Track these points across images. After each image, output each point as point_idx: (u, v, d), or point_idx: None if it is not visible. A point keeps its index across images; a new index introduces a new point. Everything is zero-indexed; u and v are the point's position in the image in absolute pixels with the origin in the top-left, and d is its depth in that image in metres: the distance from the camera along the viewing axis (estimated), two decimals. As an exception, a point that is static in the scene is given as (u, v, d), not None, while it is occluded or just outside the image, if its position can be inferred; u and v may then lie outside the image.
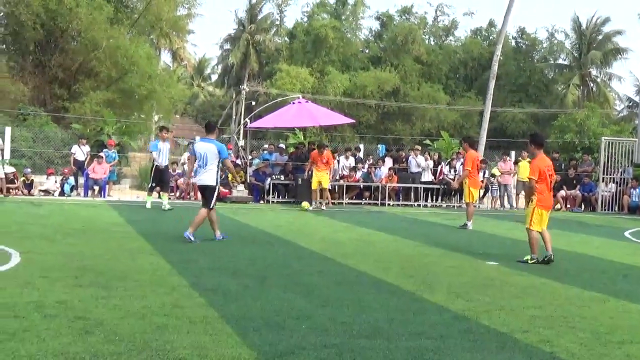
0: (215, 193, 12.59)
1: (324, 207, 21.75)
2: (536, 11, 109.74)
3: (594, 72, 55.89)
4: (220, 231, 12.67)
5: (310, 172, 22.68)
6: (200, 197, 13.05)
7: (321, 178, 21.72)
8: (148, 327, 6.08)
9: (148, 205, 19.41)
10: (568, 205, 26.87)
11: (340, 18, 53.32)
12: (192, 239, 12.08)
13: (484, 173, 26.71)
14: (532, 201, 11.12)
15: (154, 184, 19.80)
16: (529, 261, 10.93)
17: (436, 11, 59.47)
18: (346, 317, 6.84)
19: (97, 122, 31.15)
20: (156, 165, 19.52)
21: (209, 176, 12.39)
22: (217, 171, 12.45)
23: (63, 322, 6.15)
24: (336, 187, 25.51)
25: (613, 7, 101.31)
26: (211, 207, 12.47)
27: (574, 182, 27.12)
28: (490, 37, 61.73)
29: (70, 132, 29.85)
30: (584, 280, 9.71)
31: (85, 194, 23.84)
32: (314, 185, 21.91)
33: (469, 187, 17.14)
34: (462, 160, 26.60)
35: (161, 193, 20.70)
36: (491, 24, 62.23)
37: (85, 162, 24.66)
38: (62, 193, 23.89)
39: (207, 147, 12.38)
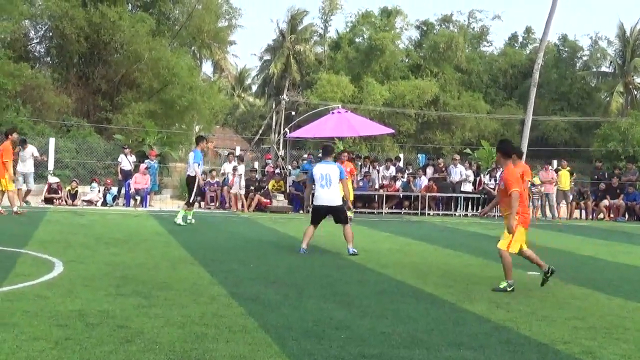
0: (345, 210, 13.11)
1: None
2: (578, 18, 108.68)
3: (637, 79, 55.08)
4: (352, 244, 12.77)
5: None
6: (321, 217, 13.19)
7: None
8: (188, 337, 6.13)
9: (193, 220, 18.05)
10: (612, 215, 26.50)
11: (384, 28, 53.23)
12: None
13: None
14: (515, 219, 9.25)
15: (198, 198, 18.91)
16: (508, 288, 9.19)
17: (469, 18, 59.15)
18: (385, 327, 6.82)
19: (139, 133, 31.51)
20: (197, 178, 17.86)
21: (336, 197, 12.75)
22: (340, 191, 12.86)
23: (105, 330, 6.22)
24: (376, 196, 25.49)
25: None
26: (348, 222, 12.90)
27: (618, 191, 26.73)
28: (528, 44, 61.24)
29: (112, 142, 30.23)
30: (627, 291, 9.56)
31: (127, 204, 24.12)
32: None
33: None
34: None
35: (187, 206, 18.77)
36: (528, 30, 61.78)
37: (131, 172, 24.89)
38: (104, 203, 24.20)
39: (329, 169, 12.76)
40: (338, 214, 12.95)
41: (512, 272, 9.28)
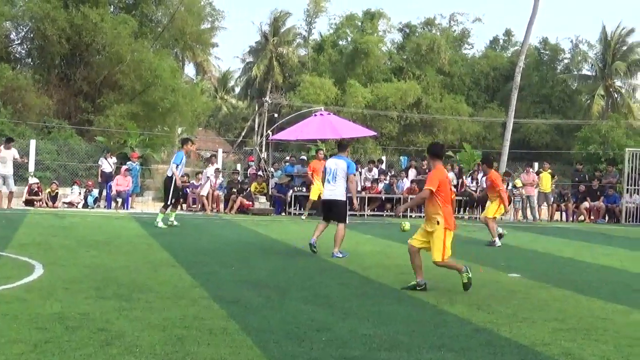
0: (347, 208, 12.94)
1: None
2: (558, 21, 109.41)
3: (618, 82, 55.50)
4: (338, 249, 12.69)
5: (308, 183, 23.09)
6: (326, 212, 13.15)
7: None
8: (169, 339, 6.11)
9: (176, 222, 17.83)
10: (592, 217, 26.68)
11: (367, 31, 53.33)
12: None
13: (507, 185, 26.59)
14: (438, 223, 9.12)
15: (173, 200, 18.09)
16: (417, 288, 9.19)
17: (450, 21, 59.38)
18: (367, 329, 6.83)
19: (120, 135, 31.38)
20: (175, 179, 17.67)
21: (338, 192, 12.68)
22: (345, 187, 12.73)
23: (85, 333, 6.19)
24: (358, 198, 25.49)
25: (638, 18, 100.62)
26: (346, 221, 12.84)
27: (598, 193, 26.93)
28: (509, 47, 61.54)
29: (94, 144, 30.09)
30: (607, 293, 9.63)
31: (109, 206, 24.01)
32: (315, 196, 21.87)
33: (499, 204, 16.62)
34: (482, 172, 26.57)
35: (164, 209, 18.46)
36: (508, 33, 62.07)
37: (112, 174, 24.79)
38: (85, 205, 24.09)
39: (337, 164, 12.74)
40: (333, 208, 12.86)
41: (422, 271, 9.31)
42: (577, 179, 28.19)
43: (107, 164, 24.95)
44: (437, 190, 9.14)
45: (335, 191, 12.68)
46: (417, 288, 9.16)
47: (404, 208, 10.68)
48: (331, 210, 12.95)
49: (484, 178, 26.28)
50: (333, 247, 12.60)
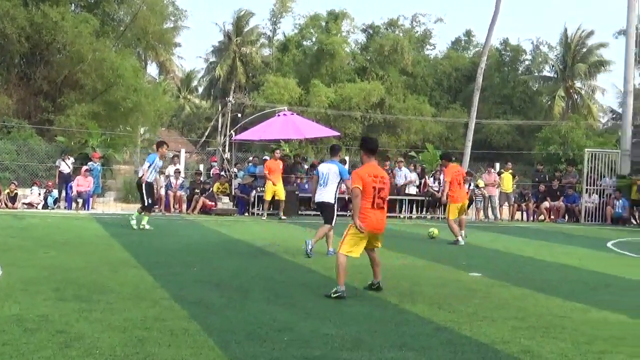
0: (335, 211, 13.13)
1: (283, 217, 22.28)
2: (520, 23, 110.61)
3: (578, 84, 56.25)
4: (332, 247, 12.84)
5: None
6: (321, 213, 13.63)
7: (277, 189, 22.35)
8: (129, 341, 6.07)
9: (148, 226, 17.20)
10: (552, 216, 27.00)
11: (332, 32, 53.38)
12: (310, 249, 12.68)
13: (469, 185, 26.80)
14: (357, 217, 8.76)
15: (150, 202, 17.53)
16: (333, 295, 8.51)
17: (412, 22, 59.71)
18: (328, 329, 6.85)
19: (81, 135, 31.01)
20: (149, 182, 17.25)
21: (327, 195, 12.97)
22: (336, 190, 13.05)
23: (43, 335, 6.12)
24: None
25: (597, 20, 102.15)
26: (332, 223, 13.04)
27: (558, 193, 27.27)
28: (470, 47, 62.03)
29: (54, 144, 29.69)
30: (566, 291, 9.75)
31: (69, 207, 23.75)
32: (269, 196, 22.42)
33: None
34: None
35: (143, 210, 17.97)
36: (469, 33, 62.56)
37: (71, 175, 24.53)
38: (45, 206, 23.80)
39: (330, 168, 13.03)
40: (324, 210, 13.23)
41: (342, 279, 8.64)
42: (537, 179, 28.52)
43: (64, 165, 24.68)
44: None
45: (324, 194, 12.99)
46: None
47: (357, 220, 8.81)
48: (322, 212, 13.43)
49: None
50: (319, 245, 13.03)
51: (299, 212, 24.05)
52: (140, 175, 17.42)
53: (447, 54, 59.68)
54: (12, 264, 10.26)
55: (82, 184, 23.67)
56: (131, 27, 39.44)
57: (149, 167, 17.27)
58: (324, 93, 49.11)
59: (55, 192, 24.34)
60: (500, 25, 68.59)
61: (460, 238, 16.19)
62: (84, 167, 24.30)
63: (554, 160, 34.00)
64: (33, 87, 35.77)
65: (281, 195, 22.43)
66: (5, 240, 13.46)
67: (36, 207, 23.44)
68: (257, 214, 23.84)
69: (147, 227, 17.05)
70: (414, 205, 26.73)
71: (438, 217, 26.18)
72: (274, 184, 22.17)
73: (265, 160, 25.95)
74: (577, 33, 55.43)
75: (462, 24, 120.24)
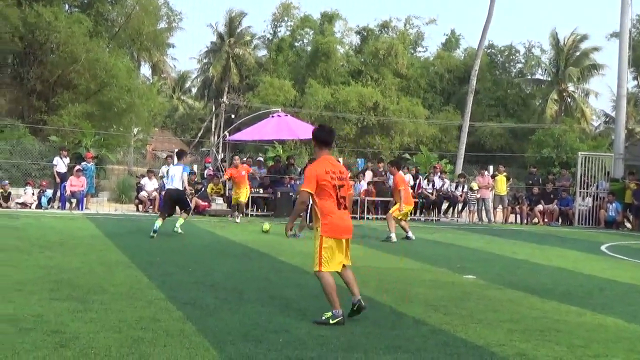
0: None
1: (238, 220, 21.27)
2: (512, 26, 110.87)
3: (571, 87, 56.35)
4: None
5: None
6: None
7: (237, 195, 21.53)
8: (124, 341, 6.05)
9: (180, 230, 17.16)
10: (545, 219, 27.06)
11: (325, 33, 53.42)
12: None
13: (463, 187, 26.87)
14: (316, 229, 7.42)
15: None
16: (331, 320, 7.11)
17: (405, 24, 59.70)
18: (323, 330, 6.84)
19: (75, 135, 30.97)
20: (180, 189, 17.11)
21: None
22: None
23: (38, 335, 6.10)
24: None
25: (590, 24, 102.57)
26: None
27: (552, 196, 27.32)
28: (458, 47, 62.06)
29: (48, 144, 29.65)
30: (560, 294, 9.77)
31: (63, 207, 23.69)
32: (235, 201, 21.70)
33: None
34: (439, 174, 26.83)
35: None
36: (453, 34, 62.46)
37: (67, 174, 24.46)
38: (39, 206, 23.74)
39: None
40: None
41: (336, 300, 7.27)
42: (530, 181, 28.58)
43: (61, 164, 24.58)
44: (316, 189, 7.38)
45: None
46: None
47: (290, 224, 7.95)
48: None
49: (439, 178, 26.64)
50: None
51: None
52: (181, 187, 17.12)
53: (438, 54, 59.61)
54: (7, 264, 10.24)
55: (75, 184, 23.63)
56: (125, 27, 39.43)
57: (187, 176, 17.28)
58: (320, 94, 49.14)
59: (49, 192, 24.29)
60: (493, 27, 68.76)
61: (393, 235, 16.96)
62: (76, 167, 24.25)
63: (548, 163, 34.10)
64: (26, 86, 35.70)
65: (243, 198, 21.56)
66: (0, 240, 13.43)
67: (30, 207, 23.38)
68: (251, 215, 23.83)
69: (179, 230, 16.84)
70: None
71: (432, 220, 26.24)
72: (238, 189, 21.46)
73: (260, 161, 26.00)
74: (571, 37, 55.53)
75: (452, 24, 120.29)
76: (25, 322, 6.58)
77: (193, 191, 23.06)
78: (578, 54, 55.71)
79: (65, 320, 6.74)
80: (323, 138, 7.70)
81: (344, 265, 7.58)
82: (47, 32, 33.55)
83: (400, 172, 17.95)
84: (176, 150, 25.30)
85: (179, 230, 16.70)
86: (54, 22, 33.09)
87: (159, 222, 15.90)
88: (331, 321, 7.11)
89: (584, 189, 27.55)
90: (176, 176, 16.58)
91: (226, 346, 6.06)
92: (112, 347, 5.82)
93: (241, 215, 21.81)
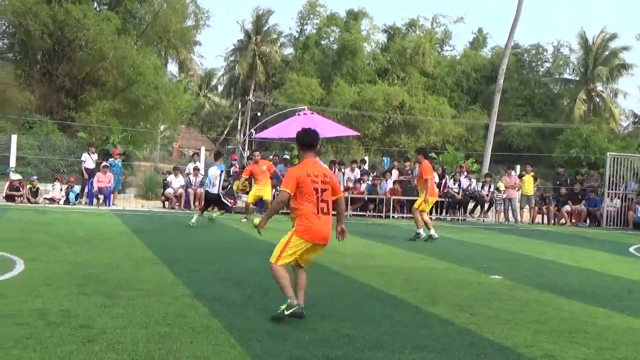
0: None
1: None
2: (541, 25, 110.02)
3: (599, 87, 55.84)
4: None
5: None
6: None
7: (260, 192, 20.18)
8: (151, 337, 6.08)
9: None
10: (573, 220, 26.82)
11: (351, 31, 53.35)
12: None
13: (489, 187, 26.72)
14: (292, 226, 7.48)
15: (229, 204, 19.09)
16: (286, 311, 7.04)
17: (432, 23, 59.45)
18: (349, 329, 6.83)
19: (102, 131, 31.24)
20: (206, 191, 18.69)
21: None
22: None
23: (66, 330, 6.15)
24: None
25: (620, 24, 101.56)
26: None
27: (580, 197, 27.09)
28: (485, 46, 61.63)
29: (76, 140, 29.93)
30: (588, 296, 9.68)
31: (90, 203, 23.89)
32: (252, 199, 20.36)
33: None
34: (465, 174, 26.67)
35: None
36: (480, 32, 62.07)
37: (95, 170, 24.66)
38: (67, 201, 23.96)
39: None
40: None
41: (290, 290, 7.22)
42: (558, 182, 28.34)
43: (90, 160, 24.78)
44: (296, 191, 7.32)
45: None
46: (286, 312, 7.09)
47: (264, 220, 7.77)
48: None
49: (465, 177, 26.51)
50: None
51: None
52: (214, 191, 18.12)
53: (465, 52, 59.30)
54: (35, 258, 10.34)
55: (103, 180, 23.83)
56: (152, 25, 39.71)
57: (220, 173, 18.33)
58: (347, 92, 49.08)
59: (76, 188, 24.50)
60: (522, 27, 68.13)
61: (421, 230, 17.07)
62: (103, 163, 24.46)
63: (575, 164, 33.72)
64: (55, 83, 36.08)
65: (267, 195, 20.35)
66: (29, 236, 13.55)
67: (58, 203, 23.60)
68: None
69: (213, 216, 18.65)
70: (434, 207, 26.60)
71: (458, 219, 26.12)
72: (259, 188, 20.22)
73: (286, 159, 26.01)
74: (600, 36, 55.04)
75: (479, 23, 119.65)
76: (54, 316, 6.64)
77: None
78: (607, 53, 55.21)
79: (92, 315, 6.80)
80: (307, 141, 7.64)
81: (301, 267, 7.51)
82: (76, 29, 33.89)
83: (427, 160, 17.59)
84: (214, 150, 25.73)
85: (213, 216, 18.31)
86: (82, 20, 33.43)
87: (197, 216, 17.62)
88: (286, 312, 7.02)
89: (612, 189, 27.27)
90: (214, 178, 17.36)
91: (252, 343, 6.07)
92: (139, 343, 5.86)
93: (256, 213, 20.63)
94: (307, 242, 7.29)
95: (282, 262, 7.26)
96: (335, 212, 7.61)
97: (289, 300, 7.09)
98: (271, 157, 28.51)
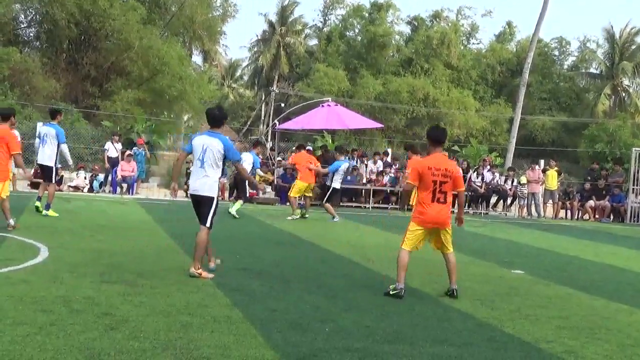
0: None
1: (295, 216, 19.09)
2: (567, 19, 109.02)
3: (625, 82, 55.26)
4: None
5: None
6: None
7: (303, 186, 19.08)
8: (173, 325, 6.13)
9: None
10: (597, 216, 26.62)
11: (376, 23, 53.14)
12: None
13: (512, 181, 26.59)
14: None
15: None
16: (391, 291, 8.22)
17: (457, 15, 59.06)
18: (370, 321, 6.85)
19: (127, 120, 31.41)
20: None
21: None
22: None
23: (89, 317, 6.22)
24: (363, 190, 25.50)
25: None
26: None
27: (604, 192, 26.86)
28: (512, 39, 61.09)
29: (100, 129, 30.13)
30: (610, 292, 9.62)
31: (114, 191, 24.05)
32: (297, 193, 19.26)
33: None
34: (488, 167, 26.56)
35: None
36: (510, 24, 61.48)
37: (118, 159, 24.83)
38: (91, 189, 24.14)
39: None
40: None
41: (400, 276, 8.29)
42: (590, 177, 28.03)
43: (113, 149, 24.94)
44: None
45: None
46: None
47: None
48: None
49: (489, 172, 26.39)
50: None
51: (340, 204, 23.97)
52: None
53: (491, 46, 58.89)
54: (60, 246, 10.44)
55: (126, 169, 23.98)
56: (178, 15, 39.82)
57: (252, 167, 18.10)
58: (372, 84, 48.95)
59: (100, 176, 24.68)
60: (547, 21, 67.59)
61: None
62: (127, 152, 24.60)
63: (600, 159, 33.47)
64: (81, 72, 36.32)
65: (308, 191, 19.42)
66: (53, 223, 13.68)
67: (82, 191, 23.79)
68: (299, 204, 23.80)
69: (233, 212, 17.76)
70: (456, 200, 26.51)
71: (480, 213, 26.03)
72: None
73: (309, 150, 25.95)
74: (626, 30, 54.44)
75: (506, 17, 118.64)
76: (77, 303, 6.71)
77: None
78: (633, 47, 54.58)
79: (115, 303, 6.86)
80: (436, 137, 8.81)
81: (444, 252, 8.83)
82: (102, 18, 34.08)
83: (417, 155, 17.25)
84: (254, 139, 25.81)
85: (232, 212, 17.72)
86: (109, 9, 33.62)
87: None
88: (391, 292, 8.17)
89: (637, 185, 27.01)
90: (246, 164, 17.17)
91: (272, 334, 6.10)
92: (161, 331, 5.91)
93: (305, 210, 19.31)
94: (419, 227, 8.51)
95: (405, 246, 8.52)
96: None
97: (397, 284, 8.22)
98: (294, 147, 28.56)
